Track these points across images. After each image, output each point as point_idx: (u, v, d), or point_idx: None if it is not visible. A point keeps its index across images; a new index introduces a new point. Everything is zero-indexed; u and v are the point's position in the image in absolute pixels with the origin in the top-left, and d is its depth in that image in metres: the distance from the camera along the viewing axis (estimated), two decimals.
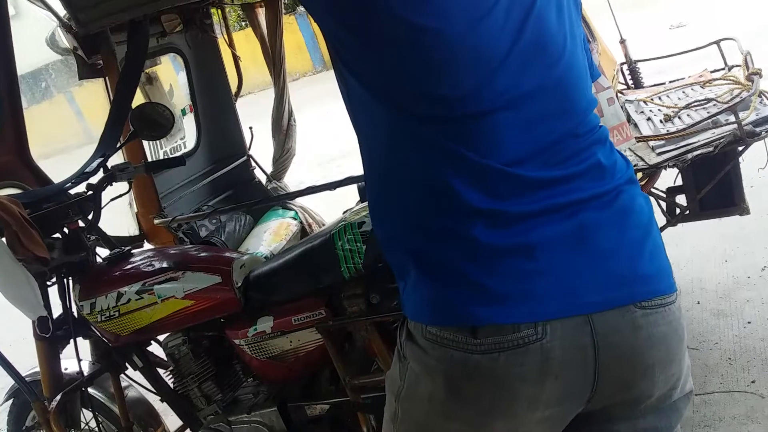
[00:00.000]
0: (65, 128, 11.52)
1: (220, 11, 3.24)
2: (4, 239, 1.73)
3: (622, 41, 2.65)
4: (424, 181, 0.94)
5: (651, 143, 1.90)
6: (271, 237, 3.04)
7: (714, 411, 2.16)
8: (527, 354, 0.90)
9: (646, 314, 0.93)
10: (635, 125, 2.10)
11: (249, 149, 3.43)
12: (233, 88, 3.39)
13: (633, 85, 2.66)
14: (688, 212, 2.01)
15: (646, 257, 0.96)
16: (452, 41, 0.88)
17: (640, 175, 1.94)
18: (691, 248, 3.03)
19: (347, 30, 0.92)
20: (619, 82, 2.62)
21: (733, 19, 6.85)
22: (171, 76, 3.50)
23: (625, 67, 2.67)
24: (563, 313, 0.90)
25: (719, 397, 2.21)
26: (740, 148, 1.82)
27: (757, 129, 1.77)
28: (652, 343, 0.94)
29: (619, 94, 2.42)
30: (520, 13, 0.92)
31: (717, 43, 2.47)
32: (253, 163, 3.46)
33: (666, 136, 1.91)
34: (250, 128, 3.40)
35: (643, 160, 1.83)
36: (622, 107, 2.06)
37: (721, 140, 1.76)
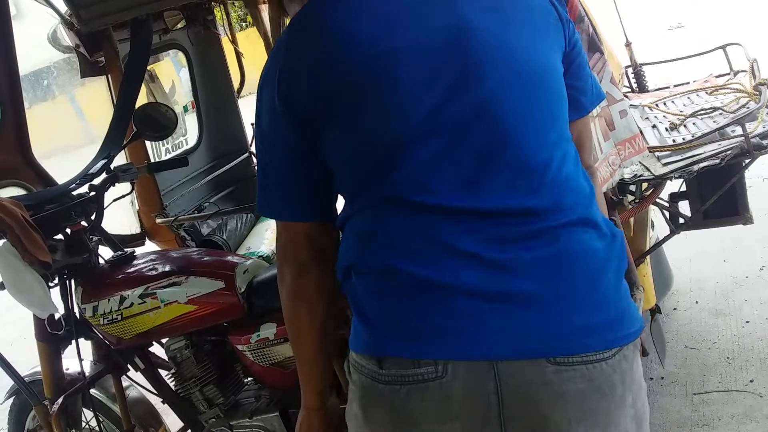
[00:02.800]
0: (66, 128, 11.47)
1: (222, 8, 3.22)
2: (7, 241, 1.72)
3: (628, 44, 2.64)
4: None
5: (656, 153, 1.89)
6: (272, 235, 3.03)
7: (713, 410, 2.17)
8: (426, 390, 0.91)
9: (560, 370, 0.89)
10: (640, 132, 2.09)
11: (250, 146, 3.42)
12: (235, 85, 3.37)
13: (637, 89, 2.64)
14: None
15: (580, 309, 0.92)
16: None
17: (645, 185, 1.94)
18: (690, 248, 3.04)
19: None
20: (624, 86, 2.60)
21: (731, 19, 6.83)
22: (171, 74, 3.48)
23: (629, 70, 2.65)
24: (467, 356, 0.90)
25: (718, 396, 2.23)
26: (746, 161, 1.81)
27: (764, 142, 1.76)
28: (564, 400, 0.90)
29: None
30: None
31: (723, 48, 2.45)
32: (255, 160, 3.45)
33: (672, 147, 1.90)
34: (252, 125, 3.38)
35: (648, 170, 1.82)
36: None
37: (728, 152, 1.75)
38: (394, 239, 0.95)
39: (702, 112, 2.14)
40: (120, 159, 2.24)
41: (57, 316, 1.88)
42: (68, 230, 1.89)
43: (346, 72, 0.94)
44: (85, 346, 1.97)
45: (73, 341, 1.91)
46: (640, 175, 1.83)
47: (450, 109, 0.92)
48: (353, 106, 0.94)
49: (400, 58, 0.92)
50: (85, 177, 1.99)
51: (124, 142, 2.15)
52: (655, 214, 2.34)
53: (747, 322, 2.56)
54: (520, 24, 0.97)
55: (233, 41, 3.30)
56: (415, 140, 0.93)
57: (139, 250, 2.06)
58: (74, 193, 1.96)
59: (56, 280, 1.89)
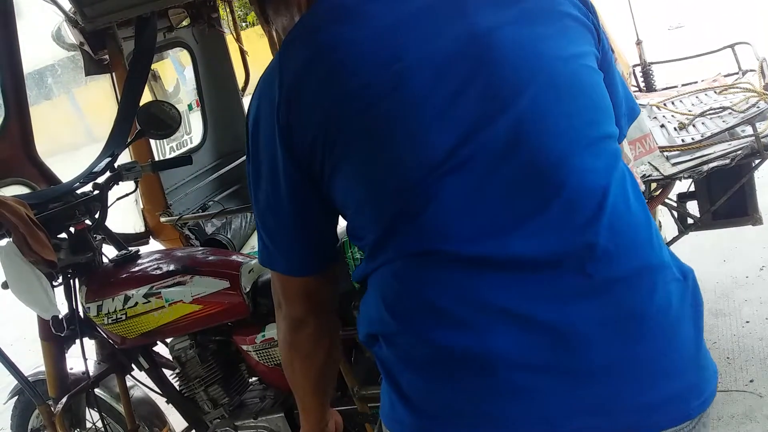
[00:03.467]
0: (67, 127, 11.50)
1: (227, 6, 3.21)
2: (12, 240, 1.71)
3: (639, 42, 2.62)
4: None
5: (666, 153, 1.87)
6: None
7: (713, 410, 2.15)
8: None
9: None
10: (650, 132, 2.07)
11: None
12: (240, 83, 3.36)
13: (645, 88, 2.63)
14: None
15: (655, 379, 0.79)
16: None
17: (654, 185, 1.92)
18: (690, 247, 3.02)
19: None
20: (632, 85, 2.58)
21: (731, 20, 6.81)
22: (173, 72, 3.48)
23: (638, 69, 2.64)
24: None
25: (718, 396, 2.16)
26: (756, 161, 1.80)
27: None
28: None
29: None
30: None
31: (732, 47, 2.44)
32: None
33: (682, 147, 1.89)
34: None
35: (657, 170, 1.81)
36: None
37: (738, 152, 1.73)
38: (426, 302, 0.81)
39: (711, 111, 2.12)
40: (124, 157, 2.23)
41: (60, 316, 1.87)
42: (72, 229, 1.88)
43: (354, 100, 0.80)
44: (90, 345, 1.97)
45: (78, 341, 1.91)
46: (649, 175, 1.81)
47: (480, 137, 0.79)
48: (365, 141, 0.81)
49: (414, 80, 0.79)
50: (89, 175, 1.98)
51: (128, 141, 2.14)
52: (662, 215, 2.33)
53: (747, 322, 2.57)
54: (546, 27, 0.84)
55: (238, 39, 3.29)
56: (442, 177, 0.79)
57: (143, 249, 2.05)
58: (78, 191, 1.96)
59: (60, 279, 1.89)
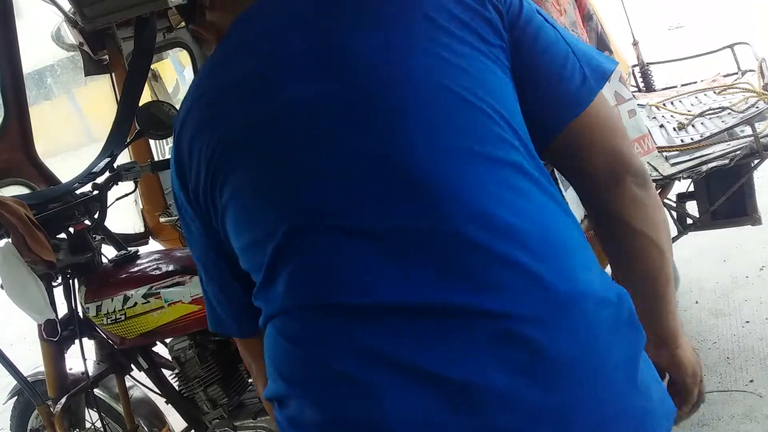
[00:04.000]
0: (67, 128, 11.48)
1: None
2: (10, 241, 1.71)
3: (635, 43, 2.62)
4: None
5: (665, 153, 1.87)
6: None
7: (712, 410, 2.17)
8: None
9: None
10: (648, 132, 2.08)
11: None
12: None
13: (644, 88, 2.63)
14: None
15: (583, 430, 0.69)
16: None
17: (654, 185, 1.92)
18: (690, 247, 3.03)
19: None
20: (631, 85, 2.58)
21: (731, 20, 6.81)
22: (173, 73, 3.47)
23: (636, 69, 2.64)
24: None
25: (718, 396, 2.22)
26: (756, 161, 1.80)
27: None
28: None
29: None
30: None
31: (731, 47, 2.44)
32: None
33: (681, 147, 1.89)
34: None
35: (656, 170, 1.81)
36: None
37: (737, 153, 1.73)
38: (314, 362, 0.73)
39: (710, 111, 2.12)
40: (123, 157, 2.23)
41: (55, 320, 1.86)
42: (71, 229, 1.88)
43: (223, 146, 0.77)
44: (89, 345, 1.97)
45: (77, 341, 1.91)
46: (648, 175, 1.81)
47: (354, 172, 0.72)
48: (236, 188, 0.77)
49: (279, 117, 0.76)
50: (88, 176, 1.98)
51: (128, 141, 2.14)
52: None
53: (747, 322, 2.57)
54: (414, 36, 0.75)
55: None
56: (314, 222, 0.73)
57: (142, 250, 2.05)
58: (77, 191, 1.95)
59: (60, 280, 1.89)
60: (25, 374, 2.00)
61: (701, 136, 1.95)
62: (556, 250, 0.73)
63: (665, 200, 1.96)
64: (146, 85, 2.88)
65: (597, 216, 0.85)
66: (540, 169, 0.78)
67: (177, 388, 1.95)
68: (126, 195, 2.11)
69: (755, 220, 1.97)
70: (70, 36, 2.51)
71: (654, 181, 1.82)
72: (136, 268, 1.88)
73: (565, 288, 0.71)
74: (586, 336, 0.70)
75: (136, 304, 1.78)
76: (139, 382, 2.07)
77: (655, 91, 2.60)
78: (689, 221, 2.04)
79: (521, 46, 0.80)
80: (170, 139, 3.07)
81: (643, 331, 0.78)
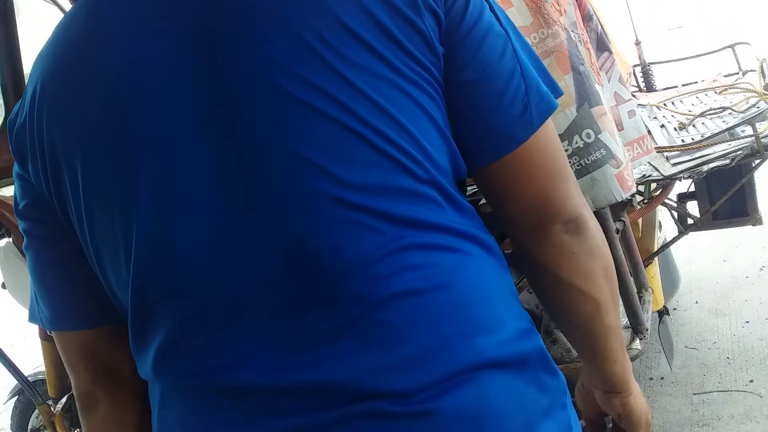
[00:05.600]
0: None
1: None
2: (11, 240, 1.72)
3: (638, 42, 2.62)
4: None
5: (665, 153, 1.87)
6: None
7: (712, 410, 2.17)
8: None
9: None
10: (648, 132, 2.07)
11: None
12: None
13: (645, 89, 2.63)
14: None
15: None
16: None
17: (653, 185, 1.92)
18: (690, 247, 3.04)
19: None
20: (632, 85, 2.58)
21: (731, 20, 6.81)
22: None
23: (637, 69, 2.64)
24: None
25: (717, 396, 2.23)
26: (757, 161, 1.80)
27: None
28: None
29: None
30: None
31: (732, 47, 2.44)
32: None
33: (682, 147, 1.88)
34: None
35: (657, 170, 1.80)
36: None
37: (738, 153, 1.73)
38: None
39: (711, 111, 2.12)
40: None
41: None
42: None
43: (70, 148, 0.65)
44: None
45: None
46: (649, 175, 1.81)
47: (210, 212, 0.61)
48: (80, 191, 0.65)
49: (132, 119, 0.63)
50: None
51: None
52: (662, 215, 2.33)
53: (747, 322, 2.57)
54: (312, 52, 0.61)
55: None
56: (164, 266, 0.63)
57: None
58: None
59: None
60: (26, 374, 2.00)
61: (702, 136, 1.95)
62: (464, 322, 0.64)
63: (666, 200, 1.95)
64: None
65: (522, 259, 0.74)
66: (460, 215, 0.66)
67: None
68: None
69: (756, 220, 1.97)
70: None
71: (655, 181, 1.82)
72: None
73: (475, 358, 0.63)
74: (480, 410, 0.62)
75: None
76: None
77: (655, 91, 2.60)
78: (690, 221, 2.04)
79: (457, 60, 0.65)
80: None
81: (556, 385, 0.69)
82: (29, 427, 2.17)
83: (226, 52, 0.61)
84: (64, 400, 1.89)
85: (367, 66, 0.61)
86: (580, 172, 1.33)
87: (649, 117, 2.22)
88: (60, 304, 0.72)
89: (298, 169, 0.60)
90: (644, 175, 1.82)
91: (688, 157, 1.83)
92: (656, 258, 2.00)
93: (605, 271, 0.74)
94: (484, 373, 0.63)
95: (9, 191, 2.22)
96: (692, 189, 2.12)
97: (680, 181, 1.87)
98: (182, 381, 0.65)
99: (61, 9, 2.40)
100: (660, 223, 2.29)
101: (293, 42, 0.60)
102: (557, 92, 0.71)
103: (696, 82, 2.53)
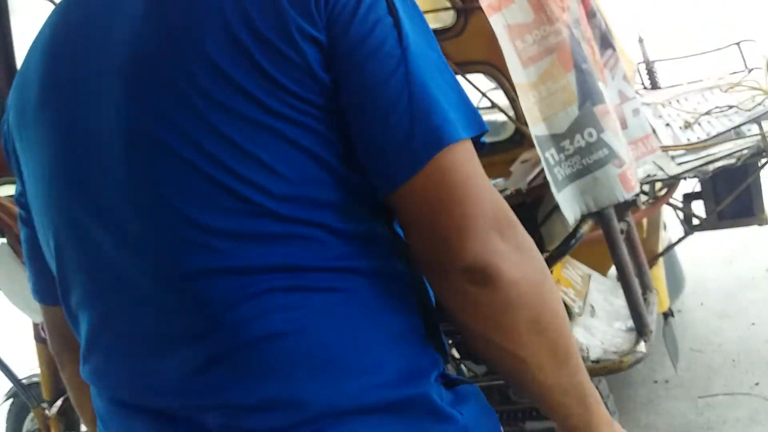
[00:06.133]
0: None
1: None
2: (5, 240, 1.70)
3: (641, 40, 2.60)
4: None
5: (670, 152, 1.85)
6: None
7: (718, 414, 2.15)
8: None
9: None
10: (653, 131, 2.05)
11: None
12: None
13: (650, 86, 2.60)
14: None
15: None
16: None
17: (658, 185, 1.89)
18: (695, 249, 3.01)
19: None
20: (637, 83, 2.56)
21: (731, 20, 6.78)
22: None
23: (642, 67, 2.61)
24: None
25: (723, 399, 2.21)
26: (763, 161, 1.77)
27: None
28: None
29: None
30: None
31: (738, 44, 2.41)
32: None
33: (687, 146, 1.86)
34: None
35: (662, 169, 1.78)
36: None
37: (744, 152, 1.71)
38: None
39: (717, 110, 2.09)
40: None
41: None
42: None
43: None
44: None
45: None
46: (654, 175, 1.79)
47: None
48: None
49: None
50: None
51: None
52: (667, 215, 2.30)
53: (753, 323, 2.55)
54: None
55: None
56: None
57: None
58: None
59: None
60: (21, 377, 1.99)
61: (707, 135, 1.93)
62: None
63: (671, 200, 1.93)
64: None
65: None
66: (349, 246, 0.63)
67: None
68: None
69: (762, 221, 1.95)
70: None
71: (660, 180, 1.80)
72: None
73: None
74: None
75: None
76: None
77: (660, 89, 2.57)
78: (695, 222, 2.02)
79: (343, 83, 0.61)
80: None
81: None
82: (24, 429, 2.17)
83: (117, 94, 0.64)
84: (59, 403, 1.87)
85: (233, 107, 0.59)
86: (582, 172, 1.31)
87: (654, 115, 2.20)
88: (35, 279, 0.82)
89: (164, 214, 0.61)
90: (649, 174, 1.80)
91: (694, 157, 1.81)
92: (661, 259, 1.97)
93: (534, 325, 0.63)
94: (350, 419, 0.60)
95: (5, 191, 2.21)
96: (698, 189, 2.09)
97: (685, 180, 1.85)
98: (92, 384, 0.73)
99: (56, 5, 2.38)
100: (665, 223, 2.26)
101: (171, 90, 0.61)
102: (474, 125, 0.63)
103: (701, 80, 2.51)
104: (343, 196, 0.63)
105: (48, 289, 0.78)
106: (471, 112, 0.63)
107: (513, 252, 0.61)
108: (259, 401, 0.60)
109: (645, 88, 2.60)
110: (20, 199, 0.80)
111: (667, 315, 1.90)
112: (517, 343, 0.63)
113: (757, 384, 2.23)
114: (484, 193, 0.61)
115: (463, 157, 0.61)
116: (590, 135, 1.30)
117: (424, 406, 0.63)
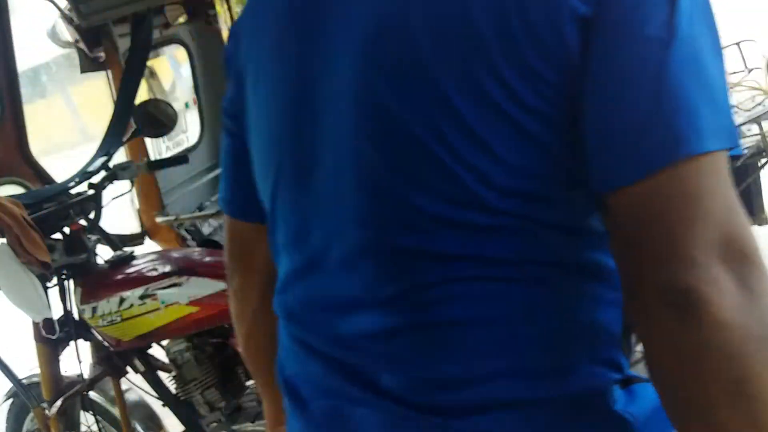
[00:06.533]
0: (62, 126, 11.45)
1: (225, 3, 3.17)
2: (5, 241, 1.69)
3: None
4: None
5: None
6: None
7: None
8: None
9: None
10: None
11: None
12: None
13: None
14: None
15: None
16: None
17: None
18: None
19: None
20: None
21: (731, 20, 6.79)
22: (167, 71, 3.44)
23: None
24: None
25: None
26: (763, 161, 1.77)
27: None
28: None
29: None
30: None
31: (737, 44, 2.41)
32: None
33: None
34: None
35: None
36: None
37: (744, 152, 1.71)
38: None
39: None
40: (120, 156, 2.20)
41: (52, 319, 1.84)
42: (67, 229, 1.85)
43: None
44: (84, 347, 1.94)
45: (72, 343, 1.87)
46: None
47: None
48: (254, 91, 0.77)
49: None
50: (83, 175, 1.96)
51: (124, 139, 2.12)
52: None
53: None
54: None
55: None
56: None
57: (139, 250, 2.02)
58: (73, 191, 1.92)
59: (54, 281, 1.86)
60: (20, 377, 1.97)
61: None
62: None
63: None
64: (143, 82, 2.85)
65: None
66: (564, 240, 0.62)
67: (174, 391, 1.92)
68: (122, 194, 2.08)
69: (762, 221, 1.95)
70: (66, 33, 2.47)
71: None
72: (132, 269, 1.85)
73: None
74: None
75: (132, 305, 1.75)
76: (135, 384, 2.04)
77: None
78: None
79: (592, 61, 0.56)
80: (167, 138, 3.04)
81: None
82: (24, 429, 2.15)
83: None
84: (59, 403, 1.86)
85: (487, 93, 0.58)
86: None
87: None
88: (230, 190, 0.86)
89: (383, 186, 0.64)
90: None
91: None
92: None
93: (738, 386, 0.50)
94: (523, 410, 0.62)
95: (3, 191, 2.20)
96: None
97: None
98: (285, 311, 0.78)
99: (57, 6, 2.37)
100: None
101: (416, 67, 0.60)
102: (724, 136, 0.54)
103: None
104: (562, 190, 0.60)
105: (239, 203, 0.85)
106: (725, 120, 0.55)
107: (737, 289, 0.50)
108: (437, 377, 0.63)
109: None
110: (229, 106, 0.82)
111: None
112: (706, 403, 0.51)
113: None
114: (719, 215, 0.52)
115: (705, 171, 0.53)
116: None
117: (597, 406, 0.62)
